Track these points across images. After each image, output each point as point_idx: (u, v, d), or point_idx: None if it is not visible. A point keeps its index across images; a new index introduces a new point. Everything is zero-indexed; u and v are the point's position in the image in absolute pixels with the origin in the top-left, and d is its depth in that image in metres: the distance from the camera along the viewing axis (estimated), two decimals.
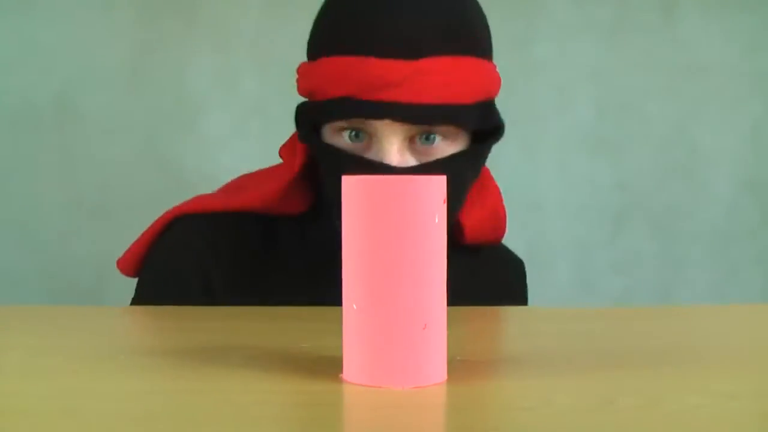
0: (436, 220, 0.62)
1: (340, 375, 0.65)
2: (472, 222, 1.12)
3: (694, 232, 1.97)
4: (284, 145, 1.12)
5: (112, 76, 1.86)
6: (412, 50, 0.96)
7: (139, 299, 1.12)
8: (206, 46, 1.87)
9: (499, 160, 1.80)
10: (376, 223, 0.61)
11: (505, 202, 1.18)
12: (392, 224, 0.61)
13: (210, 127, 1.88)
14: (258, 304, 1.02)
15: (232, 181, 1.18)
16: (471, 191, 1.12)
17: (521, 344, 0.78)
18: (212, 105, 1.87)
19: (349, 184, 0.63)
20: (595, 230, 1.96)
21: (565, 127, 1.94)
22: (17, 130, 1.85)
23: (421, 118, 0.96)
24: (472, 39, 0.99)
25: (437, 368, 0.63)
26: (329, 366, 0.68)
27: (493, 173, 1.19)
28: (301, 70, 1.04)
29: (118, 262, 1.15)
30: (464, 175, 1.03)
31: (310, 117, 1.02)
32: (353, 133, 1.00)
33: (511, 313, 0.97)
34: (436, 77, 0.96)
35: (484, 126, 1.03)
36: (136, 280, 1.15)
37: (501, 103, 1.08)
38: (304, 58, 1.07)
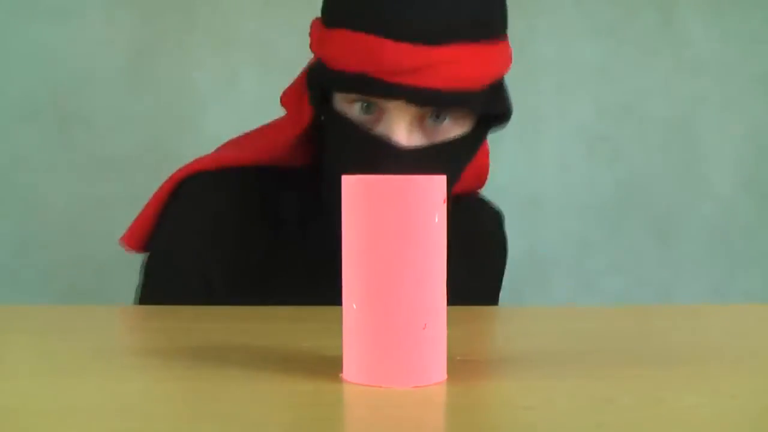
0: (436, 220, 0.62)
1: (340, 374, 0.65)
2: (460, 180, 1.15)
3: (693, 231, 1.97)
4: (287, 94, 1.12)
5: (113, 76, 1.86)
6: (428, 36, 0.96)
7: (157, 269, 1.10)
8: (206, 46, 1.87)
9: (499, 159, 1.80)
10: (376, 223, 0.61)
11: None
12: (392, 224, 0.61)
13: (210, 126, 1.88)
14: (271, 257, 1.03)
15: (234, 138, 1.18)
16: None
17: (521, 344, 0.78)
18: (212, 104, 1.87)
19: (349, 183, 0.63)
20: (594, 229, 1.96)
21: (565, 126, 1.94)
22: (17, 130, 1.85)
23: (434, 101, 0.98)
24: (488, 23, 1.00)
25: (437, 368, 0.63)
26: (329, 366, 0.68)
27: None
28: (316, 31, 1.04)
29: (124, 238, 1.12)
30: (465, 157, 1.05)
31: (322, 81, 1.03)
32: (365, 105, 1.01)
33: (510, 312, 0.97)
34: (452, 65, 0.97)
35: (492, 110, 1.04)
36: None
37: None
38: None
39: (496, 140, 1.56)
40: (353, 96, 1.01)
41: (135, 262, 1.86)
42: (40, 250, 1.86)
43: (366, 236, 0.62)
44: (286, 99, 1.11)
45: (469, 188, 1.20)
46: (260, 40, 1.87)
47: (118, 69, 1.86)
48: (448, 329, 0.83)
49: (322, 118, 1.05)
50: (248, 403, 0.58)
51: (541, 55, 1.93)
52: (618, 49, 1.95)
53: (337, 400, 0.59)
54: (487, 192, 1.27)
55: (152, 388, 0.61)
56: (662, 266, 1.98)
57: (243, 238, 1.10)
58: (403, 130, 0.99)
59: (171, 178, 1.12)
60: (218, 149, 1.17)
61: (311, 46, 1.05)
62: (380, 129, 1.01)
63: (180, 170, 1.12)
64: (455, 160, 1.03)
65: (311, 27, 1.06)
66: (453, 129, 1.02)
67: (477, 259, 1.22)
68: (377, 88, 0.97)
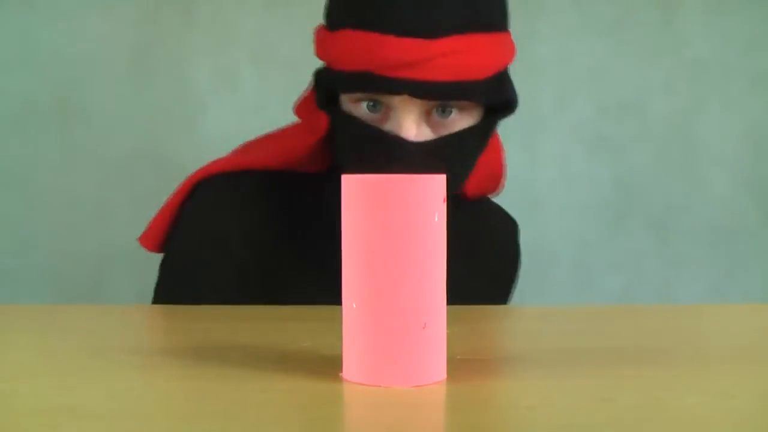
0: (436, 219, 0.62)
1: (340, 374, 0.65)
2: (475, 179, 1.15)
3: (693, 231, 1.97)
4: (301, 105, 1.13)
5: (113, 75, 1.86)
6: (430, 30, 0.97)
7: (171, 270, 1.11)
8: (206, 46, 1.87)
9: None
10: (376, 222, 0.61)
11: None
12: (392, 223, 0.61)
13: (210, 125, 1.88)
14: (296, 257, 1.03)
15: (249, 142, 1.19)
16: None
17: (521, 343, 0.78)
18: (212, 104, 1.87)
19: (349, 183, 0.63)
20: (594, 228, 1.96)
21: (565, 125, 1.94)
22: (17, 130, 1.85)
23: (437, 94, 0.98)
24: (489, 15, 1.01)
25: (437, 367, 0.63)
26: (329, 365, 0.68)
27: None
28: (320, 36, 1.05)
29: (141, 239, 1.14)
30: (475, 148, 1.06)
31: (328, 84, 1.04)
32: (371, 104, 1.02)
33: (510, 311, 0.97)
34: (453, 57, 0.98)
35: (497, 100, 1.05)
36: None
37: None
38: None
39: None
40: (359, 95, 1.01)
41: (135, 262, 1.86)
42: (40, 250, 1.86)
43: (366, 235, 0.62)
44: (299, 109, 1.13)
45: (485, 191, 1.20)
46: (260, 40, 1.87)
47: (118, 68, 1.86)
48: (447, 329, 0.83)
49: (331, 120, 1.06)
50: (248, 402, 0.58)
51: (541, 55, 1.93)
52: (618, 49, 1.95)
53: (337, 399, 0.59)
54: None
55: (152, 388, 0.61)
56: (662, 266, 1.98)
57: (257, 240, 1.10)
58: (410, 125, 1.00)
59: (187, 179, 1.13)
60: (233, 152, 1.18)
61: (316, 53, 1.06)
62: (388, 126, 1.01)
63: (196, 172, 1.13)
64: (465, 152, 1.04)
65: (315, 34, 1.07)
66: (460, 121, 1.03)
67: (489, 266, 1.22)
68: (381, 85, 0.98)
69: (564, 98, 1.94)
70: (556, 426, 0.53)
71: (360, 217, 0.62)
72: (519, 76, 1.91)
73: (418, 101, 1.00)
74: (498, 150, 1.18)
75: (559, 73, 1.94)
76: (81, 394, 0.59)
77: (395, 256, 0.61)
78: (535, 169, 1.94)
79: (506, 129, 1.88)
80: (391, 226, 0.61)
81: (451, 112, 1.02)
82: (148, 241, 1.14)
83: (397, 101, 1.00)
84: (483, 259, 1.21)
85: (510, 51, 1.04)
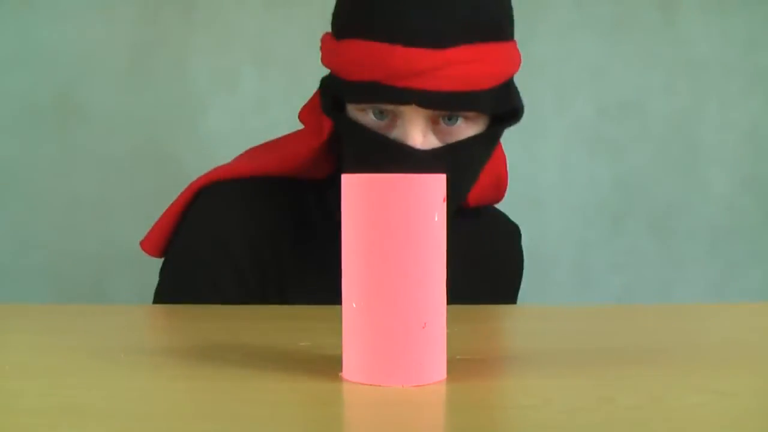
0: (436, 219, 0.62)
1: (340, 373, 0.65)
2: (478, 188, 1.15)
3: (693, 230, 1.97)
4: (305, 110, 1.13)
5: (113, 75, 1.86)
6: (437, 40, 0.97)
7: (171, 276, 1.11)
8: (206, 45, 1.87)
9: None
10: (376, 222, 0.61)
11: (505, 201, 1.20)
12: (392, 223, 0.61)
13: (210, 125, 1.88)
14: (297, 268, 1.03)
15: (252, 148, 1.19)
16: None
17: (521, 343, 0.78)
18: (212, 103, 1.87)
19: (349, 182, 0.63)
20: (594, 228, 1.96)
21: (565, 125, 1.94)
22: (18, 130, 1.85)
23: (445, 104, 0.99)
24: (496, 25, 1.01)
25: (437, 367, 0.63)
26: (329, 364, 0.68)
27: None
28: (327, 45, 1.05)
29: (142, 243, 1.14)
30: (482, 156, 1.06)
31: (335, 93, 1.04)
32: (377, 111, 1.02)
33: (510, 311, 0.97)
34: (461, 66, 0.98)
35: (503, 109, 1.06)
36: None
37: None
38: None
39: None
40: (365, 105, 1.02)
41: (135, 262, 1.86)
42: (40, 250, 1.86)
43: (366, 235, 0.62)
44: (303, 115, 1.13)
45: (488, 199, 1.20)
46: (260, 40, 1.87)
47: (118, 68, 1.86)
48: (448, 328, 0.83)
49: (337, 127, 1.06)
50: (248, 402, 0.58)
51: (541, 55, 1.93)
52: (618, 49, 1.95)
53: (337, 399, 0.59)
54: None
55: (152, 388, 0.61)
56: (662, 266, 1.98)
57: (259, 247, 1.10)
58: (417, 133, 1.00)
59: (190, 187, 1.13)
60: (236, 159, 1.18)
61: (322, 60, 1.06)
62: (395, 134, 1.02)
63: (199, 179, 1.13)
64: (472, 160, 1.04)
65: (321, 42, 1.07)
66: (467, 129, 1.03)
67: (494, 275, 1.22)
68: (389, 95, 0.98)
69: (564, 98, 1.94)
70: (556, 426, 0.53)
71: (360, 216, 0.62)
72: (519, 76, 1.91)
73: (424, 111, 1.00)
74: (501, 159, 1.18)
75: (559, 73, 1.94)
76: (81, 394, 0.59)
77: (395, 256, 0.61)
78: (535, 169, 1.94)
79: (506, 129, 1.88)
80: (391, 226, 0.61)
81: (457, 120, 1.02)
82: (149, 246, 1.15)
83: (405, 110, 1.00)
84: (488, 268, 1.21)
85: (516, 59, 1.05)
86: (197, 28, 1.87)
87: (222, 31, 1.87)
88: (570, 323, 0.87)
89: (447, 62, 0.97)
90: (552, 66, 1.94)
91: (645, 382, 0.63)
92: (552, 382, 0.63)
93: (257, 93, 1.87)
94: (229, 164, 1.14)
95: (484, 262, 1.21)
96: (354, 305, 0.63)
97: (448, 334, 0.81)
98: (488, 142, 1.06)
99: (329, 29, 1.86)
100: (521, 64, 1.91)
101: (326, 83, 1.06)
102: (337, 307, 0.94)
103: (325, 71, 1.76)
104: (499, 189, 1.20)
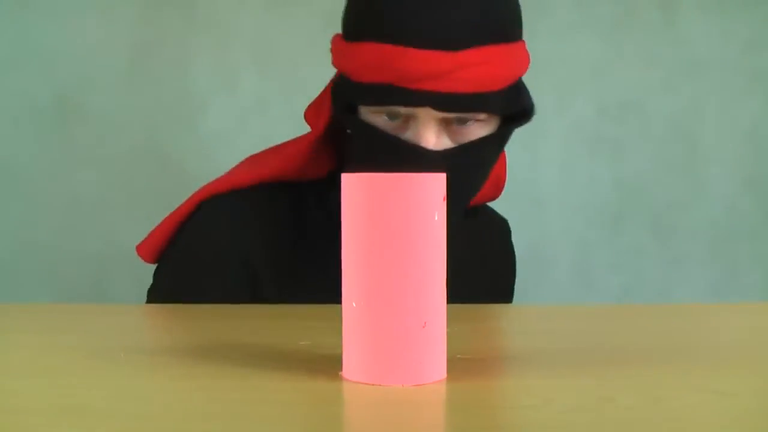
0: (436, 218, 0.62)
1: (340, 373, 0.65)
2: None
3: (694, 230, 1.97)
4: (310, 109, 1.14)
5: (113, 75, 1.86)
6: (450, 42, 0.98)
7: (168, 285, 1.11)
8: (206, 45, 1.87)
9: None
10: (376, 221, 0.61)
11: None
12: (392, 222, 0.61)
13: (210, 125, 1.88)
14: (298, 276, 1.03)
15: (252, 156, 1.19)
16: None
17: (521, 342, 0.78)
18: (212, 103, 1.87)
19: (349, 182, 0.63)
20: (595, 228, 1.96)
21: (566, 125, 1.94)
22: (18, 129, 1.85)
23: (459, 106, 0.99)
24: (506, 26, 1.01)
25: (437, 366, 0.63)
26: (329, 364, 0.68)
27: None
28: (337, 47, 1.05)
29: (138, 248, 1.15)
30: (492, 156, 1.07)
31: (347, 95, 1.04)
32: (390, 113, 1.02)
33: (510, 311, 0.97)
34: (474, 68, 0.98)
35: (514, 109, 1.06)
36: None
37: None
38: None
39: None
40: (379, 107, 1.02)
41: (135, 261, 1.86)
42: (40, 250, 1.86)
43: (366, 234, 0.62)
44: (308, 113, 1.13)
45: (487, 198, 1.21)
46: (260, 40, 1.87)
47: (118, 68, 1.86)
48: (448, 327, 0.83)
49: (349, 130, 1.06)
50: (248, 401, 0.58)
51: (541, 55, 1.93)
52: (618, 49, 1.95)
53: (337, 398, 0.59)
54: None
55: (152, 388, 0.61)
56: (662, 265, 1.98)
57: (259, 258, 1.10)
58: (431, 134, 1.01)
59: (191, 198, 1.13)
60: (237, 167, 1.18)
61: (333, 62, 1.06)
62: (408, 135, 1.02)
63: (200, 191, 1.13)
64: (483, 160, 1.05)
65: (332, 43, 1.07)
66: (478, 130, 1.03)
67: (492, 273, 1.23)
68: (402, 97, 0.98)
69: (564, 98, 1.94)
70: (556, 426, 0.53)
71: (360, 216, 0.62)
72: None
73: (437, 113, 1.00)
74: (503, 158, 1.19)
75: (559, 73, 1.94)
76: (81, 394, 0.59)
77: (395, 255, 0.61)
78: (535, 169, 1.94)
79: None
80: (391, 225, 0.61)
81: (469, 121, 1.02)
82: (145, 251, 1.15)
83: (418, 112, 1.01)
84: (488, 267, 1.22)
85: (525, 60, 1.05)
86: (197, 28, 1.87)
87: (222, 31, 1.87)
88: (570, 323, 0.87)
89: (460, 65, 0.97)
90: (552, 66, 1.94)
91: (645, 382, 0.63)
92: (552, 382, 0.63)
93: (257, 93, 1.87)
94: (229, 174, 1.14)
95: (484, 261, 1.22)
96: (354, 305, 0.63)
97: (448, 333, 0.81)
98: (499, 142, 1.06)
99: (329, 29, 1.87)
100: None
101: (337, 85, 1.06)
102: (337, 306, 0.94)
103: (330, 72, 1.76)
104: (498, 187, 1.21)
